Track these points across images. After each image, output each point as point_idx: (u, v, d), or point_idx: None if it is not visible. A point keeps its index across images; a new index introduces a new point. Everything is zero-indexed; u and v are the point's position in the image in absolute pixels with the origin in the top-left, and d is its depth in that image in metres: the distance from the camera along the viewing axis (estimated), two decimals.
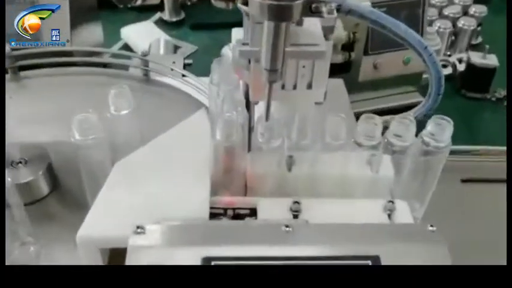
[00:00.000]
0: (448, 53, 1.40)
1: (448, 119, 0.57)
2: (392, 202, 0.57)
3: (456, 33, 1.41)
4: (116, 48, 1.25)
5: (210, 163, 0.59)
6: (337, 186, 0.61)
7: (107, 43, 1.19)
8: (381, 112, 1.16)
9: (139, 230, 0.48)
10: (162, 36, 1.25)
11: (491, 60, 1.27)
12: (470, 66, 1.30)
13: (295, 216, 0.56)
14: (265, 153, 0.57)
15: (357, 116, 0.90)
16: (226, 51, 1.16)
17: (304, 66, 0.62)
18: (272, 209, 0.57)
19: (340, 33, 1.01)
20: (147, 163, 0.59)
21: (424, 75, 1.24)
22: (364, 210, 0.58)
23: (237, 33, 0.64)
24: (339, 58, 1.07)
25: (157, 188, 0.56)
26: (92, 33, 1.05)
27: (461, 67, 1.34)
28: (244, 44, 0.56)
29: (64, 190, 0.68)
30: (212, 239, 0.49)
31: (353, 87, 1.08)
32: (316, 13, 0.47)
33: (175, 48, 1.26)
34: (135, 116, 0.63)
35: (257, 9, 0.45)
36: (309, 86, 0.64)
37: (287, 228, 0.49)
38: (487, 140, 1.09)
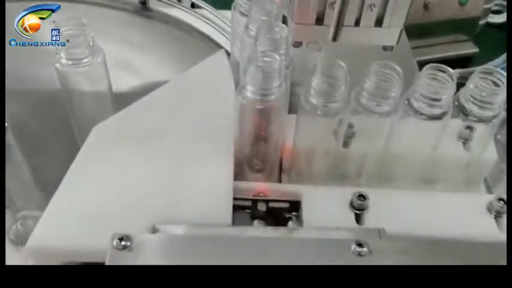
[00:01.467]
0: None
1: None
2: (503, 200, 0.38)
3: None
4: None
5: (234, 129, 0.40)
6: (416, 168, 0.42)
7: None
8: (428, 64, 0.99)
9: (123, 243, 0.30)
10: None
11: None
12: None
13: (358, 217, 0.38)
14: (317, 118, 0.38)
15: None
16: None
17: None
18: (323, 204, 0.38)
19: None
20: (138, 129, 0.40)
21: (481, 21, 1.04)
22: (458, 209, 0.39)
23: None
24: None
25: (152, 169, 0.37)
26: None
27: None
28: None
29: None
30: (239, 258, 0.30)
31: None
32: None
33: None
34: (103, 67, 0.42)
35: None
36: (379, 23, 0.44)
37: (360, 249, 0.31)
38: None
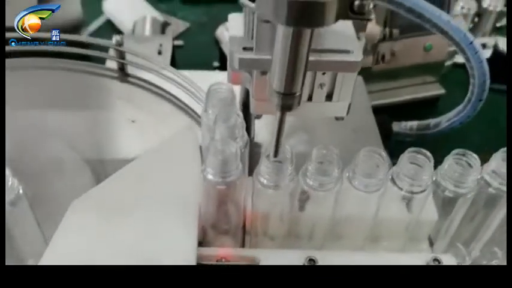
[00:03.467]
0: None
1: None
2: (438, 261, 0.43)
3: (480, 14, 1.25)
4: (95, 27, 1.08)
5: (199, 199, 0.45)
6: (363, 229, 0.47)
7: (86, 18, 1.00)
8: (397, 106, 1.03)
9: None
10: (148, 13, 1.08)
11: None
12: (497, 52, 1.15)
13: None
14: (271, 190, 0.43)
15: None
16: (222, 32, 1.00)
17: (324, 73, 0.47)
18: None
19: (374, 29, 0.80)
20: (112, 202, 0.44)
21: (447, 63, 1.09)
22: None
23: (235, 22, 0.47)
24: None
25: (121, 242, 0.41)
26: (69, 5, 0.86)
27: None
28: (245, 48, 0.40)
29: None
30: None
31: (365, 77, 0.94)
32: (359, 14, 0.31)
33: (164, 26, 1.09)
34: (25, 204, 0.42)
35: (269, 7, 0.29)
36: (329, 97, 0.49)
37: None
38: None
